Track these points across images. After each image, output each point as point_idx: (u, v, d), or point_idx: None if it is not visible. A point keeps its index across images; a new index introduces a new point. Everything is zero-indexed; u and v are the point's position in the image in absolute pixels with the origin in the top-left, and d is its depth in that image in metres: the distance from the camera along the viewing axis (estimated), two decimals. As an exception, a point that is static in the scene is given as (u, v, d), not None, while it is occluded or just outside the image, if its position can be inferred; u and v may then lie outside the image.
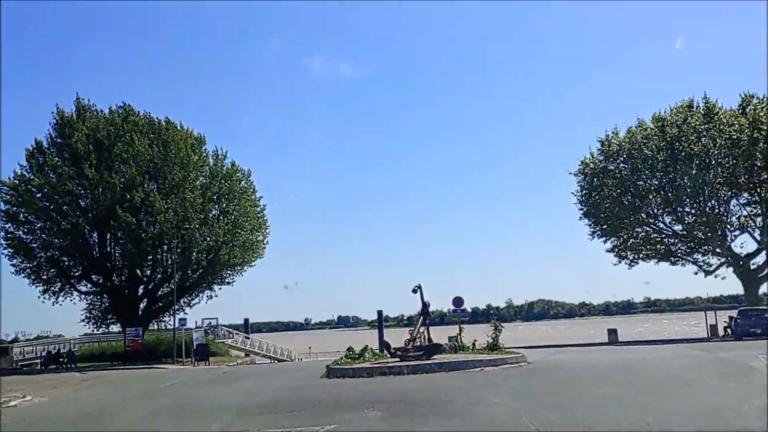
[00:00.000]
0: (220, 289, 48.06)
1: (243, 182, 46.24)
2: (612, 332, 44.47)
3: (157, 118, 43.77)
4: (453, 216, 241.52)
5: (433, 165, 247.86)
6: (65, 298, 44.60)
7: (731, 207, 45.64)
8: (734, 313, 44.64)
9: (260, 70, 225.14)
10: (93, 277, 44.96)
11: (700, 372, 14.96)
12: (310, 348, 60.94)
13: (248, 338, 55.81)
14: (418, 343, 20.13)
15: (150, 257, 44.05)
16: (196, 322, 50.71)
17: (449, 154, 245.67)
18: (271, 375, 21.14)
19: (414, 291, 20.84)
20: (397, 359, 18.94)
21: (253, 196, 46.85)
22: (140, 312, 45.76)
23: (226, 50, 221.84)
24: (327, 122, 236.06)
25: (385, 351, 20.66)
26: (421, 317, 20.80)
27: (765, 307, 38.53)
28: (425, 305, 20.84)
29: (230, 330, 54.87)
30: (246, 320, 66.47)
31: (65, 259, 43.97)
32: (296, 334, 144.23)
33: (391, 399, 12.12)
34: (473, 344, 21.97)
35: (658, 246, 48.55)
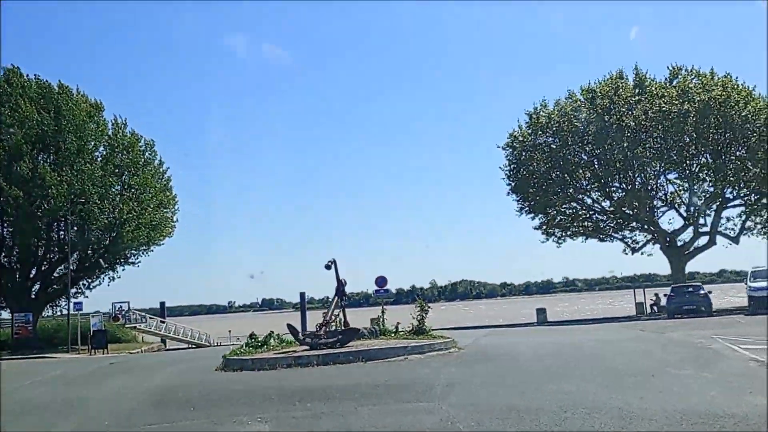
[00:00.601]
0: (123, 270, 44.22)
1: (147, 153, 42.36)
2: (541, 312, 42.97)
3: (47, 82, 39.34)
4: (377, 195, 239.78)
5: (356, 142, 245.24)
6: (-53, 281, 40.03)
7: (660, 182, 44.77)
8: (659, 290, 44.15)
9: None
10: (-23, 257, 40.47)
11: (660, 358, 12.76)
12: (230, 332, 57.72)
13: (164, 323, 52.12)
14: (333, 328, 17.34)
15: (44, 235, 40.00)
16: (114, 306, 47.06)
17: (373, 131, 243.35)
18: (161, 367, 18.01)
19: (327, 267, 17.99)
20: (307, 347, 16.16)
21: (160, 169, 43.06)
22: (33, 296, 41.56)
23: (141, 23, 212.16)
24: (252, 103, 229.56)
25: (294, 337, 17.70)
26: (336, 297, 17.97)
27: (698, 284, 37.59)
28: (341, 283, 17.99)
29: (143, 314, 51.04)
30: (162, 303, 62.32)
31: (-56, 237, 39.39)
32: (218, 318, 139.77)
33: (290, 403, 9.36)
34: (396, 328, 19.39)
35: (586, 223, 47.37)
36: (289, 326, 17.24)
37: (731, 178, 41.87)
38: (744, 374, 10.11)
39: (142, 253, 43.94)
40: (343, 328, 17.54)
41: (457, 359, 14.29)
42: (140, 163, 41.39)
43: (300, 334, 17.05)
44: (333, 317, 17.59)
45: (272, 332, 17.96)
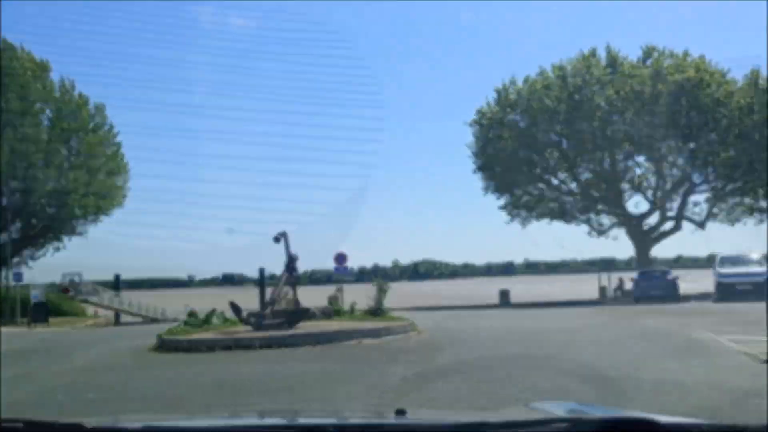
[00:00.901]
0: (70, 240, 42.24)
1: (97, 118, 40.11)
2: (504, 293, 41.92)
3: (-12, 38, 36.80)
4: (343, 169, 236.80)
5: (320, 117, 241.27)
6: None
7: (628, 164, 43.96)
8: (622, 274, 43.45)
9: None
10: None
11: (641, 349, 11.47)
12: (187, 306, 55.57)
13: (117, 296, 49.93)
14: (283, 307, 15.82)
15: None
16: (64, 276, 44.81)
17: (337, 106, 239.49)
18: (92, 345, 16.37)
19: (276, 240, 16.42)
20: (251, 328, 14.64)
21: (110, 134, 40.84)
22: (-29, 265, 39.32)
23: None
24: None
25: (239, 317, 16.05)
26: (286, 273, 16.42)
27: (666, 269, 36.91)
28: (291, 258, 16.43)
29: (96, 286, 48.83)
30: (116, 276, 59.97)
31: None
32: (178, 292, 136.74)
33: (215, 397, 7.88)
34: (352, 308, 17.98)
35: (552, 204, 46.40)
36: (232, 304, 15.63)
37: (699, 163, 41.21)
38: (741, 371, 8.87)
39: (91, 222, 42.00)
40: (293, 307, 16.05)
41: (415, 346, 12.92)
42: (89, 127, 39.21)
43: (244, 312, 15.49)
44: (282, 295, 16.08)
45: (215, 310, 16.40)
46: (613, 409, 4.14)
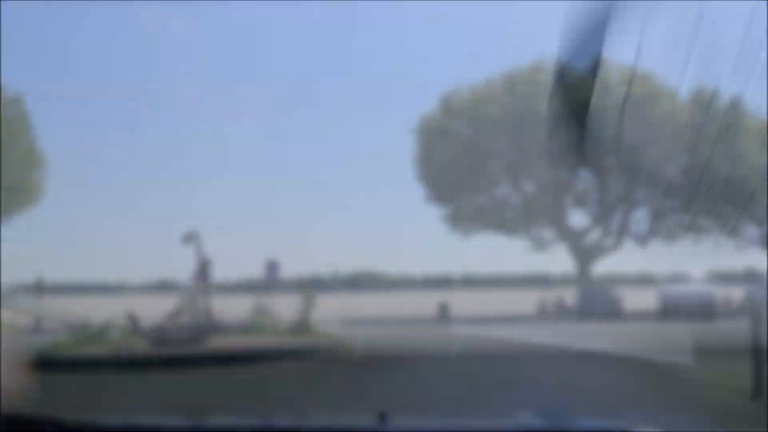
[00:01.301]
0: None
1: (14, 108, 37.16)
2: (443, 307, 40.40)
3: None
4: (285, 176, 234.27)
5: (267, 120, 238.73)
6: None
7: (571, 179, 43.34)
8: (561, 291, 42.81)
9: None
10: None
11: (612, 385, 9.91)
12: (114, 314, 52.32)
13: (38, 301, 46.37)
14: (190, 320, 13.79)
15: None
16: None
17: (282, 109, 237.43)
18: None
19: (186, 241, 14.36)
20: (153, 343, 12.62)
21: (28, 127, 37.90)
22: None
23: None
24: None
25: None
26: (197, 280, 14.40)
27: (608, 286, 36.47)
28: (203, 263, 14.41)
29: (13, 290, 45.29)
30: (38, 280, 55.82)
31: None
32: (108, 298, 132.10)
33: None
34: (274, 323, 16.10)
35: (494, 216, 45.52)
36: (131, 316, 13.53)
37: (643, 179, 40.83)
38: (745, 414, 7.36)
39: (3, 220, 38.91)
40: (202, 320, 14.02)
41: (342, 370, 11.10)
42: (2, 118, 36.27)
43: (142, 325, 13.39)
44: (189, 306, 14.02)
45: (109, 321, 14.28)
46: (597, 420, 4.04)
